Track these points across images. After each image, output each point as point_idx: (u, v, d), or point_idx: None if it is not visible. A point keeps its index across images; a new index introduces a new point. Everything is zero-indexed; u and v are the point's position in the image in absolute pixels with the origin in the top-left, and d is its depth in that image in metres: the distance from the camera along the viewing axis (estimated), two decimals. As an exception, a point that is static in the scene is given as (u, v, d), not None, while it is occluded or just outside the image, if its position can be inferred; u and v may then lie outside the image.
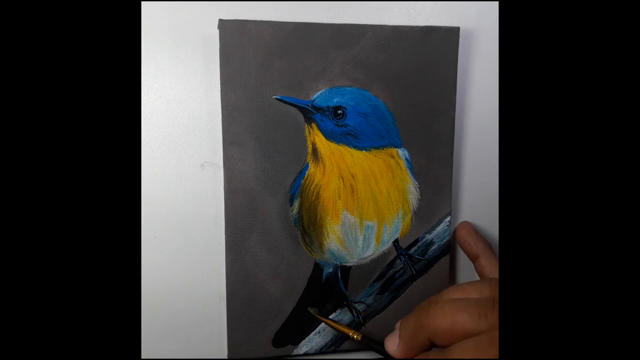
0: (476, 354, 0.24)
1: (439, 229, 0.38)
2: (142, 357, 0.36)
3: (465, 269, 0.40)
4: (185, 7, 0.34)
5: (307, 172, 0.35)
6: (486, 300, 0.27)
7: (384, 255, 0.37)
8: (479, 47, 0.38)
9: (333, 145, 0.35)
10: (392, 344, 0.30)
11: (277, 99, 0.34)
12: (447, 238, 0.38)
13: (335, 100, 0.35)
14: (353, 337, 0.35)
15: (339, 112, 0.35)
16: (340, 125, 0.35)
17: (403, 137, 0.36)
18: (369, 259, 0.37)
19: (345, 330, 0.35)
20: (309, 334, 0.37)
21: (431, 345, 0.28)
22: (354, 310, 0.37)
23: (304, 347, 0.37)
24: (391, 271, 0.38)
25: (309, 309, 0.36)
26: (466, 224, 0.38)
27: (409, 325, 0.29)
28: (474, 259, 0.37)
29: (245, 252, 0.35)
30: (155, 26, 0.34)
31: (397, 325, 0.31)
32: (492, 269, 0.35)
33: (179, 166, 0.35)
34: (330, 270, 0.37)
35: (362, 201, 0.36)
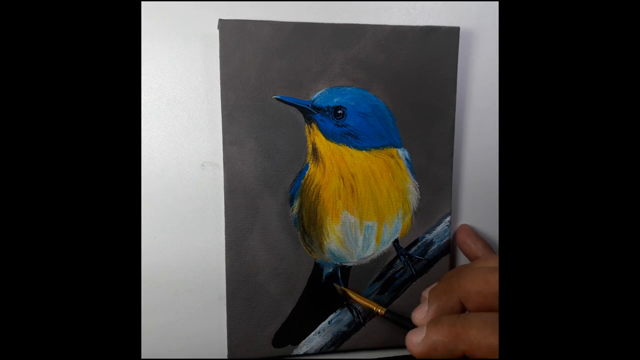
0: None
1: (439, 229, 0.38)
2: (142, 357, 0.36)
3: (465, 269, 0.40)
4: (185, 7, 0.34)
5: (307, 172, 0.35)
6: None
7: (384, 255, 0.37)
8: (479, 47, 0.38)
9: (333, 145, 0.35)
10: (420, 313, 0.29)
11: (277, 99, 0.34)
12: (447, 238, 0.38)
13: (336, 100, 0.35)
14: (377, 312, 0.34)
15: (339, 112, 0.35)
16: (340, 125, 0.35)
17: (403, 137, 0.36)
18: (369, 259, 0.37)
19: (369, 304, 0.35)
20: (309, 334, 0.37)
21: (462, 309, 0.27)
22: (354, 310, 0.37)
23: (304, 347, 0.37)
24: (391, 271, 0.38)
25: (334, 284, 0.36)
26: (465, 226, 0.38)
27: (437, 291, 0.28)
28: (473, 259, 0.37)
29: (245, 252, 0.35)
30: (155, 26, 0.34)
31: (424, 294, 0.30)
32: None
33: (179, 166, 0.35)
34: (330, 270, 0.37)
35: (362, 201, 0.36)
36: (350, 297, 0.36)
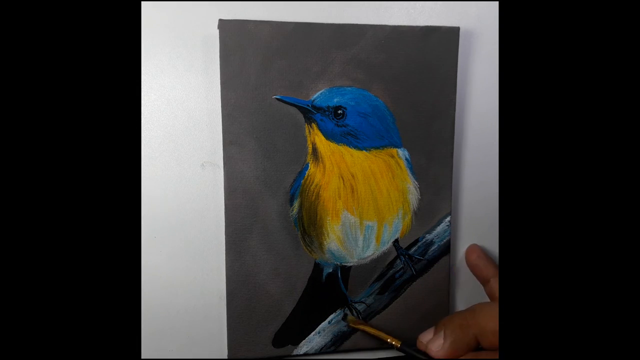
0: None
1: (439, 229, 0.38)
2: (142, 357, 0.36)
3: (466, 269, 0.40)
4: (185, 7, 0.34)
5: (307, 172, 0.35)
6: None
7: (384, 255, 0.37)
8: (479, 47, 0.38)
9: (333, 145, 0.35)
10: (436, 346, 0.29)
11: (277, 99, 0.34)
12: (447, 238, 0.38)
13: (336, 100, 0.35)
14: (392, 344, 0.35)
15: (339, 112, 0.35)
16: (341, 125, 0.35)
17: (403, 137, 0.36)
18: (369, 259, 0.37)
19: (384, 336, 0.35)
20: (309, 334, 0.37)
21: (477, 345, 0.27)
22: (354, 311, 0.37)
23: (304, 347, 0.37)
24: (391, 271, 0.38)
25: (348, 317, 0.37)
26: (475, 247, 0.38)
27: (454, 324, 0.28)
28: (484, 282, 0.37)
29: (245, 252, 0.35)
30: (155, 26, 0.34)
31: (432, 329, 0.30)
32: None
33: (179, 166, 0.35)
34: (330, 270, 0.37)
35: (362, 201, 0.36)
36: (364, 330, 0.36)
